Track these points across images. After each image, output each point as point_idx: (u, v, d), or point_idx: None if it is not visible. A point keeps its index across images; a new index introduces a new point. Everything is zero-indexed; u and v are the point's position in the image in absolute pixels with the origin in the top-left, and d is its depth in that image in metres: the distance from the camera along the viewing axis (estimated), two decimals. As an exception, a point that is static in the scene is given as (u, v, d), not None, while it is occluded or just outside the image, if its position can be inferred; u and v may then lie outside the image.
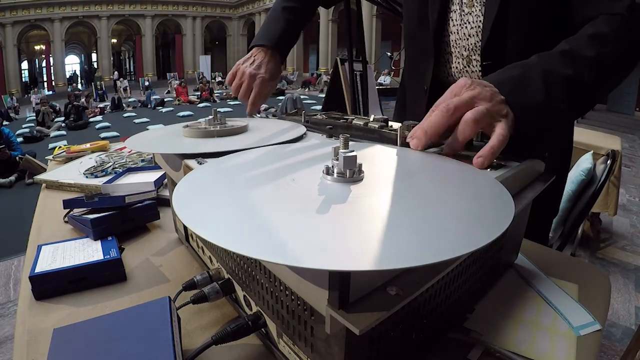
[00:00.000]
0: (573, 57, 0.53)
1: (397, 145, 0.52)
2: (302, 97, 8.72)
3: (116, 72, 17.08)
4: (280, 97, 10.21)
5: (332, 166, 0.37)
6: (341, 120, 0.67)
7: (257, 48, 0.84)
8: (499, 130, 0.45)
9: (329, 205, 0.32)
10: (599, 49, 0.53)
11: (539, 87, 0.50)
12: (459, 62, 0.76)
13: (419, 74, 0.82)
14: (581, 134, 2.72)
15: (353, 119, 0.66)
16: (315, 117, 0.70)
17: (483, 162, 0.44)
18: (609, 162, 1.34)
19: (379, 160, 0.47)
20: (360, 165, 0.37)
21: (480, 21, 0.70)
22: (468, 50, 0.73)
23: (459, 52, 0.75)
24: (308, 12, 0.91)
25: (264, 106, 9.07)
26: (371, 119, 0.63)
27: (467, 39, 0.73)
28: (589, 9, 0.60)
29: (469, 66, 0.74)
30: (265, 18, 0.90)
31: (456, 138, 0.46)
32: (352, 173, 0.36)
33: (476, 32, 0.71)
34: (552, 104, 0.50)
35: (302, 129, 0.62)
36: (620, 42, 0.55)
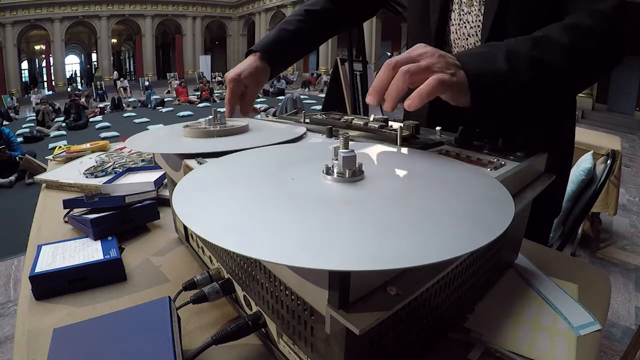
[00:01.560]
0: (543, 42, 0.53)
1: (397, 144, 0.52)
2: (302, 97, 8.71)
3: (116, 72, 17.07)
4: (280, 97, 10.21)
5: (332, 166, 0.37)
6: (341, 120, 0.67)
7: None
8: (431, 78, 0.44)
9: (329, 205, 0.32)
10: (575, 39, 0.53)
11: (502, 60, 0.50)
12: None
13: None
14: (581, 134, 2.71)
15: (353, 119, 0.66)
16: (315, 117, 0.70)
17: (410, 104, 0.44)
18: (609, 162, 1.34)
19: (379, 160, 0.47)
20: (361, 165, 0.37)
21: (479, 21, 0.70)
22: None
23: (458, 51, 0.75)
24: (316, 25, 0.87)
25: (264, 106, 9.08)
26: (371, 119, 0.63)
27: (467, 39, 0.73)
28: (575, 5, 0.59)
29: None
30: None
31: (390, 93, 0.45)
32: (352, 173, 0.36)
33: (475, 31, 0.71)
34: (512, 74, 0.50)
35: (302, 129, 0.62)
36: (600, 38, 0.55)
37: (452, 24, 0.74)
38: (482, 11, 0.69)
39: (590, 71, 0.57)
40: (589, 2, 0.58)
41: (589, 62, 0.55)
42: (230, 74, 0.77)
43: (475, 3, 0.70)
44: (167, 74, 16.15)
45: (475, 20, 0.71)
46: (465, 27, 0.72)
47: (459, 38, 0.74)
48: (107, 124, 8.10)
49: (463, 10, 0.72)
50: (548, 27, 0.56)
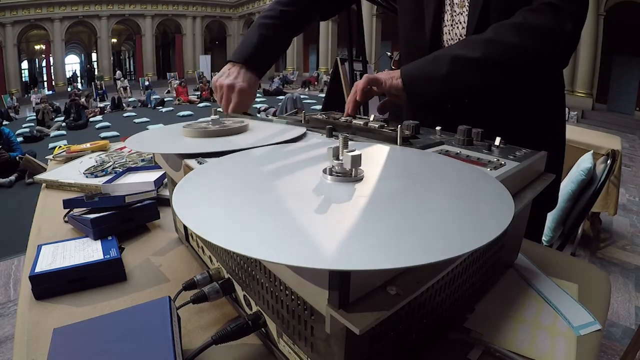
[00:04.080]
0: (470, 40, 0.65)
1: (397, 144, 0.52)
2: (302, 97, 8.71)
3: (119, 72, 17.05)
4: (280, 97, 10.21)
5: (332, 166, 0.37)
6: (341, 120, 0.67)
7: (230, 63, 0.83)
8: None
9: (328, 204, 0.32)
10: (496, 34, 0.63)
11: (430, 60, 0.66)
12: None
13: None
14: (581, 134, 2.72)
15: (353, 119, 0.66)
16: (315, 117, 0.70)
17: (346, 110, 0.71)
18: (609, 161, 1.34)
19: (379, 160, 0.47)
20: (361, 165, 0.37)
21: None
22: None
23: None
24: (292, 27, 0.88)
25: (264, 106, 9.07)
26: (371, 119, 0.63)
27: (459, 39, 0.73)
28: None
29: None
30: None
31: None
32: (352, 173, 0.36)
33: (467, 32, 0.72)
34: (434, 71, 0.64)
35: (302, 129, 0.62)
36: (528, 31, 0.61)
37: (445, 25, 0.75)
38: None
39: (516, 60, 0.63)
40: None
41: (512, 54, 0.62)
42: (229, 82, 0.79)
43: (466, 4, 0.71)
44: (167, 73, 16.12)
45: (466, 21, 0.72)
46: (458, 27, 0.73)
47: (452, 39, 0.74)
48: (107, 123, 8.10)
49: (455, 12, 0.73)
50: (489, 28, 0.65)
